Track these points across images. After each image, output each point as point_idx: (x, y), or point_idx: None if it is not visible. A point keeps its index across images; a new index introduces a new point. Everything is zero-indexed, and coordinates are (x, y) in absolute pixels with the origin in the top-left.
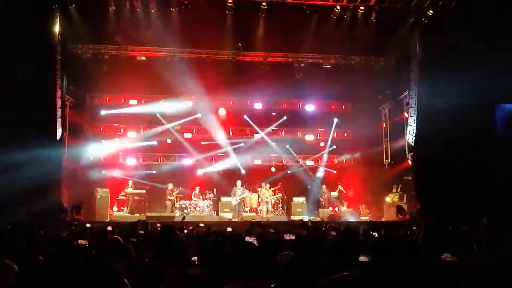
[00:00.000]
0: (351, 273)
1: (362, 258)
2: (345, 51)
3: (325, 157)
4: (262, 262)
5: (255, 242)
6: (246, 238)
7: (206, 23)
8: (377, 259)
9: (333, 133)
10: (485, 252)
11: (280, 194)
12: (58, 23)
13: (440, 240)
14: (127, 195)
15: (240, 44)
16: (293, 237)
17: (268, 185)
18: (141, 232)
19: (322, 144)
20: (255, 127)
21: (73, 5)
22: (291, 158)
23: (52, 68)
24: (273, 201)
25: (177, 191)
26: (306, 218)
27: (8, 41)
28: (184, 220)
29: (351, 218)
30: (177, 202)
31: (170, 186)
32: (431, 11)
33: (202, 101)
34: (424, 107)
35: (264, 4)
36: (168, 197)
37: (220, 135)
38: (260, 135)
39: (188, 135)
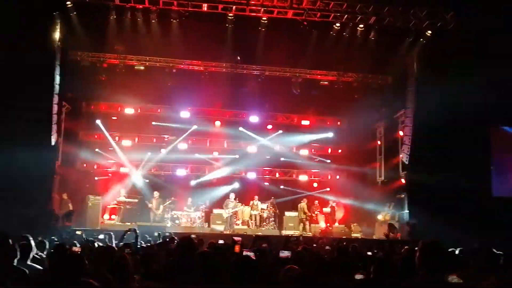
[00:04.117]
0: None
1: (358, 276)
2: (343, 68)
3: (318, 173)
4: (261, 276)
5: (253, 256)
6: (244, 252)
7: (206, 35)
8: (374, 278)
9: (327, 148)
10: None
11: (272, 208)
12: (58, 30)
13: (437, 260)
14: (119, 204)
15: (239, 58)
16: (288, 254)
17: (257, 198)
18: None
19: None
20: (253, 135)
21: (74, 13)
22: (284, 172)
23: (50, 74)
24: (265, 215)
25: (169, 201)
26: (297, 233)
27: (8, 46)
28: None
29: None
30: (168, 212)
31: (156, 194)
32: (429, 32)
33: (199, 112)
34: (419, 127)
35: (264, 19)
36: (149, 205)
37: (214, 147)
38: (254, 146)
39: (183, 146)
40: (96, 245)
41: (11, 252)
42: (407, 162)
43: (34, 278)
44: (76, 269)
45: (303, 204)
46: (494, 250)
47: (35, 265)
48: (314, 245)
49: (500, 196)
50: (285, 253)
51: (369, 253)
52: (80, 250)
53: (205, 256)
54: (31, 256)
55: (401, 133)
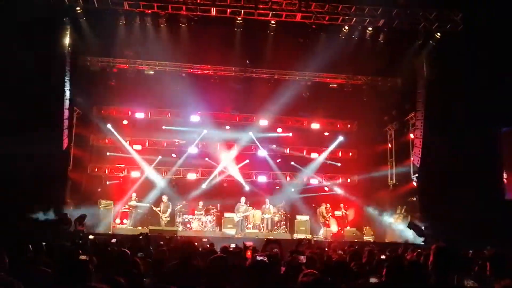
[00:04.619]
0: None
1: (372, 280)
2: (352, 71)
3: (329, 176)
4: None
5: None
6: (257, 257)
7: (215, 39)
8: (388, 281)
9: (338, 152)
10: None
11: (283, 211)
12: (68, 35)
13: (450, 264)
14: (130, 208)
15: (248, 61)
16: (304, 260)
17: (268, 201)
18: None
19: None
20: (259, 145)
21: (84, 18)
22: (295, 176)
23: (61, 79)
24: (276, 219)
25: (180, 205)
26: (308, 236)
27: (19, 51)
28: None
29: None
30: (179, 216)
31: (164, 198)
32: (439, 34)
33: (209, 116)
34: (430, 129)
35: (272, 22)
36: (155, 209)
37: (225, 151)
38: (264, 152)
39: (193, 150)
40: (109, 249)
41: (27, 256)
42: (418, 165)
43: (43, 282)
44: (82, 275)
45: (321, 208)
46: (507, 253)
47: (45, 269)
48: (326, 249)
49: None
50: (301, 258)
51: (383, 256)
52: (88, 258)
53: (217, 260)
54: (42, 259)
55: (411, 135)
